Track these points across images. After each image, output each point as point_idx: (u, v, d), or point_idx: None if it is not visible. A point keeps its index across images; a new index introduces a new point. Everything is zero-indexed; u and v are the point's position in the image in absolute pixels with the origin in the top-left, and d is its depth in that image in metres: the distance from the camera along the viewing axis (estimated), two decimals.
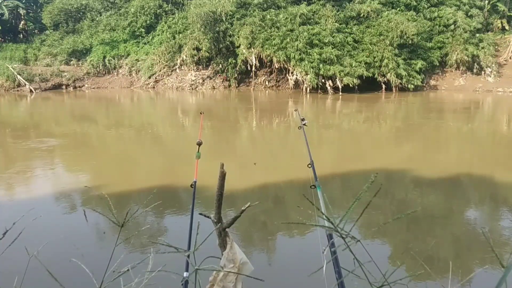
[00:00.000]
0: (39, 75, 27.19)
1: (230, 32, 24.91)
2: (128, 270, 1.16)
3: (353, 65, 22.08)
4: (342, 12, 24.63)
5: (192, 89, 26.16)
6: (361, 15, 24.33)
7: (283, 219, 5.35)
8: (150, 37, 29.46)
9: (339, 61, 22.14)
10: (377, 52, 22.50)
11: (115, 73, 28.93)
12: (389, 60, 22.02)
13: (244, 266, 1.60)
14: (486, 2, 28.38)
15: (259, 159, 9.26)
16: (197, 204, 6.05)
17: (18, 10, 35.82)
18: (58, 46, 30.39)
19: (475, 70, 24.43)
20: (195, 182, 2.69)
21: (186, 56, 26.20)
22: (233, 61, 25.44)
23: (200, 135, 3.85)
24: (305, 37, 22.37)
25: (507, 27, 28.68)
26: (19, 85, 26.37)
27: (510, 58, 25.40)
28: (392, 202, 6.09)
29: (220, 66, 26.23)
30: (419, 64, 22.94)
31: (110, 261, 1.20)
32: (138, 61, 28.29)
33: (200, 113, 4.91)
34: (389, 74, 22.14)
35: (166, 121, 15.77)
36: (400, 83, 22.48)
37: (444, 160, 8.98)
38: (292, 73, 23.18)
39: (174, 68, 27.19)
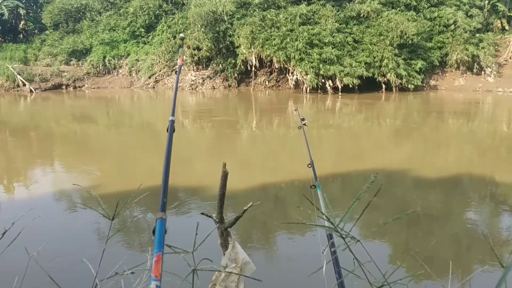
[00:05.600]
0: (39, 75, 27.20)
1: (230, 32, 24.92)
2: (127, 272, 1.15)
3: (353, 65, 22.08)
4: (342, 12, 24.62)
5: (192, 89, 26.17)
6: (361, 15, 24.33)
7: (283, 219, 5.34)
8: (150, 37, 29.48)
9: (339, 61, 22.14)
10: (377, 52, 22.48)
11: (115, 73, 28.94)
12: (389, 60, 22.01)
13: (247, 266, 1.59)
14: (486, 2, 28.38)
15: (259, 159, 9.26)
16: (198, 204, 6.05)
17: (18, 10, 35.81)
18: (58, 46, 30.41)
19: (475, 70, 24.43)
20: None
21: (186, 56, 26.20)
22: (233, 61, 25.45)
23: None
24: (305, 37, 22.36)
25: (507, 27, 28.70)
26: (19, 85, 26.37)
27: (510, 58, 25.40)
28: (392, 202, 6.08)
29: (220, 66, 26.23)
30: (419, 64, 22.94)
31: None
32: (138, 61, 28.31)
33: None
34: (389, 74, 22.13)
35: (165, 121, 15.73)
36: (400, 83, 22.48)
37: (444, 160, 8.97)
38: (292, 73, 23.18)
39: (174, 68, 27.20)
